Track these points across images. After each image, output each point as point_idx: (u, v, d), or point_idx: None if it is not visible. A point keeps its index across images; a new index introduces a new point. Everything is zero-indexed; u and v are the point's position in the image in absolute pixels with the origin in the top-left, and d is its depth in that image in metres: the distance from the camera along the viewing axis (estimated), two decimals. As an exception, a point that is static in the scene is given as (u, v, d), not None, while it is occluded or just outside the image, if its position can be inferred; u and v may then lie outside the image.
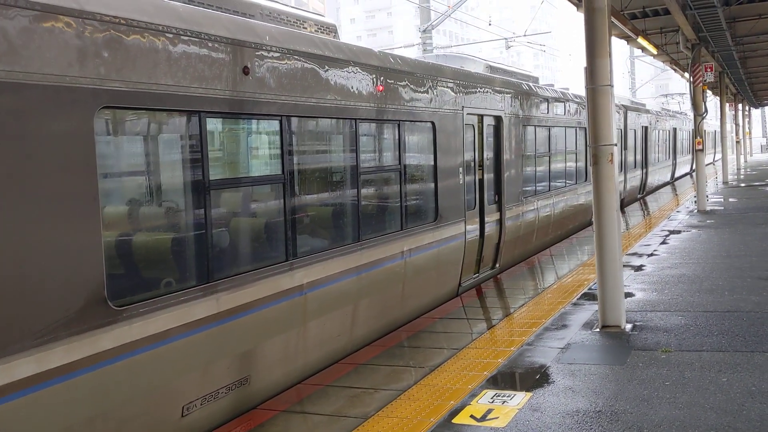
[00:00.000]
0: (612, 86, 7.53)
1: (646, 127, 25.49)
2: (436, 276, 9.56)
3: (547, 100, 14.37)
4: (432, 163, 9.49)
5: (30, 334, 4.18)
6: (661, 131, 28.99)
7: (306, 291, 6.76)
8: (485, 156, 11.29)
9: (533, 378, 6.28)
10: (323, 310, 7.06)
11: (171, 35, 5.18)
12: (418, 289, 9.07)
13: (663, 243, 13.97)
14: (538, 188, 13.87)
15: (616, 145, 7.64)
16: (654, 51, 19.12)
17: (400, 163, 8.64)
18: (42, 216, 4.26)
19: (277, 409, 6.06)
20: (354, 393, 6.36)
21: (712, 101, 47.33)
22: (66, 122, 4.40)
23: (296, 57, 6.60)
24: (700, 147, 19.32)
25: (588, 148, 7.74)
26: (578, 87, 20.49)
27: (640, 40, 17.03)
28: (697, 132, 19.81)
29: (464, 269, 10.46)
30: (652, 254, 12.67)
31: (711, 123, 45.89)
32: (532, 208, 13.38)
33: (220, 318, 5.70)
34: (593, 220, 7.84)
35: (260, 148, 6.95)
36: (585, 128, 17.20)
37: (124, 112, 5.02)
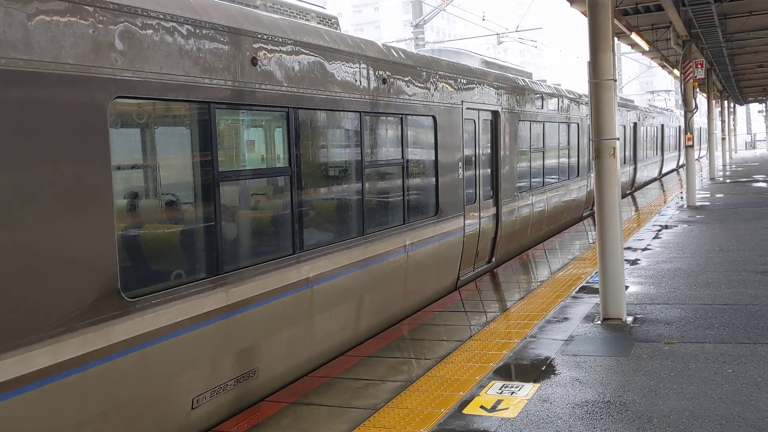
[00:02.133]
0: (615, 81, 7.58)
1: (635, 123, 25.68)
2: (436, 270, 9.59)
3: (541, 95, 14.43)
4: (433, 157, 9.51)
5: (45, 326, 4.15)
6: (649, 128, 29.21)
7: (312, 284, 6.76)
8: (482, 151, 11.33)
9: (539, 369, 6.32)
10: (329, 304, 7.07)
11: (182, 25, 5.16)
12: (419, 283, 9.10)
13: (656, 238, 14.09)
14: (532, 183, 13.94)
15: (618, 139, 7.70)
16: (646, 47, 19.25)
17: (403, 157, 8.65)
18: (57, 207, 4.23)
19: (286, 401, 6.06)
20: (361, 384, 6.38)
21: (697, 98, 47.67)
22: (81, 113, 4.37)
23: (303, 48, 6.59)
24: (691, 143, 19.49)
25: (590, 142, 7.78)
26: (568, 82, 20.58)
27: (634, 36, 17.13)
28: (688, 128, 19.97)
29: (462, 263, 10.51)
30: (646, 248, 12.78)
31: (697, 120, 46.23)
32: (527, 203, 13.45)
33: (229, 310, 5.69)
34: (596, 211, 7.90)
35: (267, 141, 6.93)
36: (578, 124, 17.32)
37: (137, 102, 4.99)
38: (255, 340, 6.02)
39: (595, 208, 7.94)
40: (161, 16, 4.96)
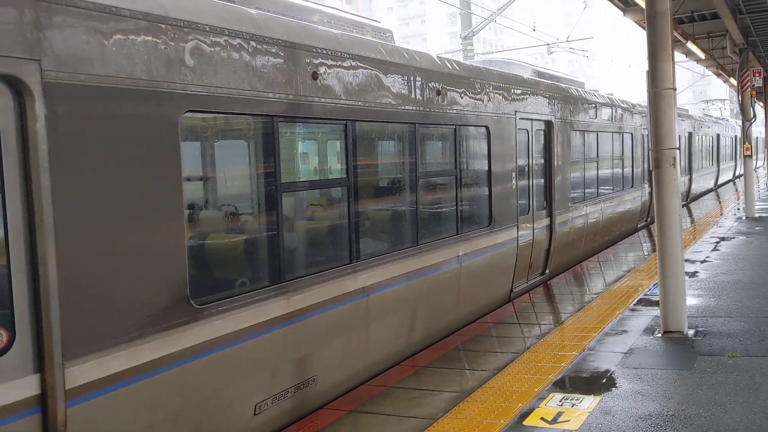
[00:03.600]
0: (675, 90, 7.48)
1: (690, 133, 25.16)
2: (489, 281, 9.56)
3: (594, 105, 14.29)
4: (486, 168, 9.51)
5: (122, 331, 4.30)
6: (704, 137, 28.57)
7: (368, 293, 6.83)
8: (535, 161, 11.27)
9: (600, 382, 6.25)
10: (384, 313, 7.12)
11: (247, 41, 5.30)
12: (472, 294, 9.08)
13: (714, 249, 13.76)
14: (586, 194, 13.79)
15: (678, 148, 7.59)
16: (702, 56, 18.88)
17: (456, 168, 8.68)
18: (133, 218, 4.39)
19: (344, 409, 6.12)
20: (417, 394, 6.40)
21: (755, 107, 46.37)
22: (154, 126, 4.53)
23: (360, 62, 6.70)
24: (749, 152, 19.01)
25: (649, 151, 7.68)
26: (620, 92, 20.30)
27: (689, 45, 16.83)
28: (745, 137, 19.49)
29: (516, 275, 10.44)
30: (704, 260, 12.49)
31: (754, 129, 45.00)
32: (581, 213, 13.30)
33: (290, 318, 5.79)
34: (656, 222, 7.78)
35: (326, 152, 7.05)
36: (631, 134, 17.07)
37: (205, 116, 5.15)
38: (314, 348, 6.11)
39: (655, 218, 7.82)
40: (228, 33, 5.12)
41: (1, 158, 3.74)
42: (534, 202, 11.17)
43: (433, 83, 7.97)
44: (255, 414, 5.52)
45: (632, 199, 17.22)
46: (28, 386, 3.83)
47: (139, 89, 4.42)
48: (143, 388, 4.44)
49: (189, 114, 4.85)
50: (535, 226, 11.14)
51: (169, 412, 4.67)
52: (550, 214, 11.78)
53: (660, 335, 7.63)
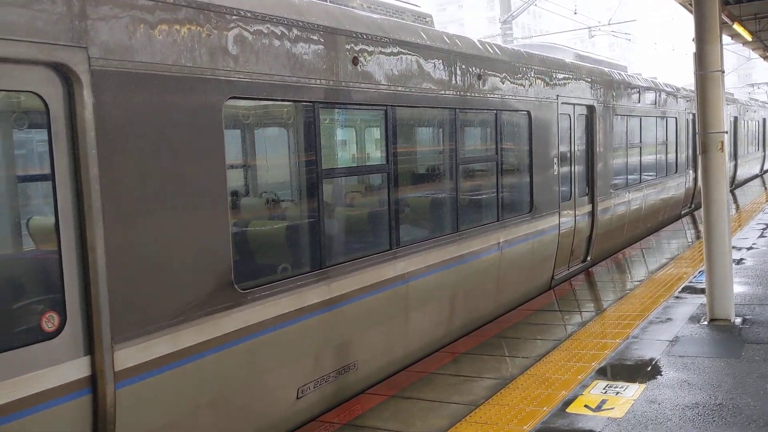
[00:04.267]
0: (723, 72, 7.28)
1: (736, 117, 24.51)
2: (529, 268, 9.47)
3: (637, 89, 14.00)
4: (527, 153, 9.40)
5: (167, 315, 4.37)
6: (750, 122, 27.82)
7: (408, 280, 6.82)
8: (577, 147, 11.10)
9: (644, 370, 6.15)
10: (424, 300, 7.11)
11: (289, 27, 5.31)
12: (512, 281, 9.01)
13: (761, 236, 13.42)
14: (628, 180, 13.55)
15: (726, 132, 7.39)
16: (749, 38, 18.34)
17: (497, 154, 8.59)
18: (179, 204, 4.44)
19: (386, 395, 6.14)
20: (458, 381, 6.39)
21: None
22: (199, 113, 4.56)
23: (401, 47, 6.65)
24: (799, 137, 18.41)
25: (696, 135, 7.51)
26: (663, 76, 19.84)
27: (735, 27, 16.35)
28: (795, 121, 18.89)
29: (557, 262, 10.33)
30: (751, 248, 12.19)
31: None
32: (623, 200, 13.08)
33: (331, 304, 5.82)
34: (703, 209, 7.60)
35: (366, 138, 7.04)
36: (675, 118, 16.70)
37: (248, 103, 5.18)
38: (354, 333, 6.13)
39: (702, 204, 7.64)
40: (270, 19, 5.12)
41: (51, 145, 3.81)
42: (576, 189, 11.01)
43: (473, 68, 7.89)
44: (297, 398, 5.57)
45: (676, 186, 16.87)
46: (78, 368, 3.92)
47: (183, 76, 4.45)
48: (188, 372, 4.50)
49: (232, 101, 4.88)
50: (577, 212, 11.00)
51: (213, 395, 4.74)
52: (592, 201, 11.60)
53: (706, 323, 7.48)
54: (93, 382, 4.00)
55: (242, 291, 4.90)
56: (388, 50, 6.48)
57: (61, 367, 3.84)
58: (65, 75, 3.83)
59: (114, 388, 4.04)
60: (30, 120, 4.05)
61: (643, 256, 12.54)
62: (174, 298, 4.42)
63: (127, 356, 4.12)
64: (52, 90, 3.80)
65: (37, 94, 3.76)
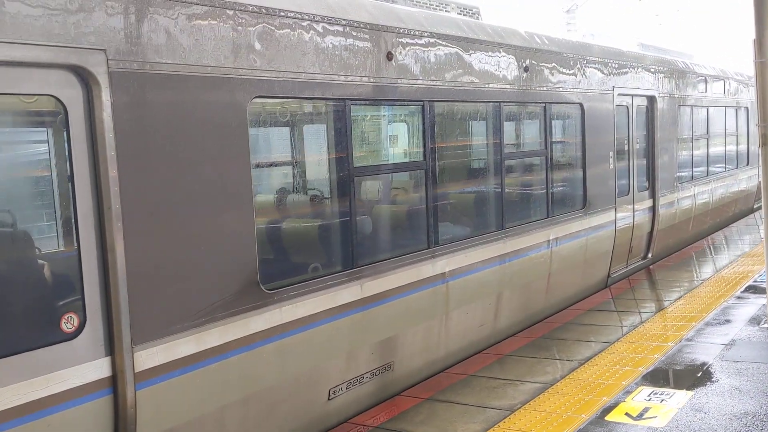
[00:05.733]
0: (786, 58, 6.81)
1: None
2: (583, 266, 9.16)
3: (704, 78, 13.36)
4: (580, 147, 9.07)
5: (190, 316, 4.37)
6: None
7: (448, 279, 6.67)
8: (637, 139, 10.66)
9: (694, 376, 5.83)
10: (465, 299, 6.94)
11: (317, 23, 5.23)
12: (564, 280, 8.72)
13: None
14: (694, 173, 12.95)
15: (789, 123, 6.92)
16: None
17: (546, 148, 8.32)
18: (204, 204, 4.44)
19: (421, 397, 6.03)
20: (498, 384, 6.21)
21: None
22: (223, 113, 4.55)
23: (439, 40, 6.49)
24: None
25: (757, 127, 7.07)
26: (735, 63, 18.86)
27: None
28: None
29: (614, 259, 9.95)
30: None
31: None
32: (689, 194, 12.51)
33: (364, 304, 5.73)
34: (762, 206, 7.15)
35: (402, 135, 6.92)
36: (747, 108, 15.88)
37: (274, 101, 5.14)
38: (390, 333, 6.03)
39: (762, 200, 7.19)
40: (297, 16, 5.06)
41: (70, 147, 3.86)
42: (635, 183, 10.58)
43: (519, 59, 7.65)
44: (329, 399, 5.51)
45: (747, 178, 16.06)
46: (99, 369, 3.96)
47: (206, 76, 4.43)
48: (212, 373, 4.50)
49: (258, 100, 4.85)
50: (636, 207, 10.57)
51: (239, 396, 4.73)
52: (653, 195, 11.13)
53: (766, 326, 7.04)
54: (114, 383, 4.04)
55: (268, 291, 4.87)
56: (425, 44, 6.32)
57: (82, 368, 3.89)
58: (84, 77, 3.87)
59: (135, 389, 4.07)
60: (49, 122, 4.11)
61: (711, 253, 11.98)
62: (196, 299, 4.42)
63: (148, 357, 4.14)
64: (71, 92, 3.84)
65: (56, 97, 3.80)
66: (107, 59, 3.92)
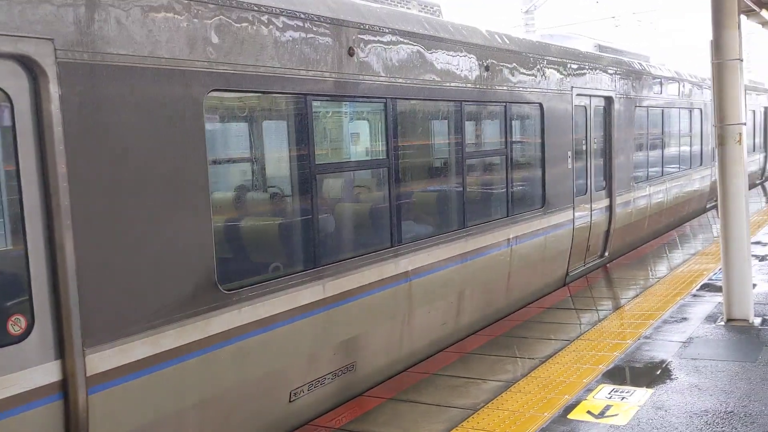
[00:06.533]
0: (741, 60, 6.94)
1: (767, 108, 23.82)
2: (542, 264, 9.21)
3: (659, 79, 13.59)
4: (539, 147, 9.11)
5: (145, 317, 4.21)
6: None
7: (411, 278, 6.61)
8: (594, 139, 10.77)
9: (654, 373, 5.88)
10: (428, 298, 6.90)
11: (276, 17, 5.11)
12: (524, 278, 8.75)
13: (789, 231, 12.96)
14: (650, 173, 13.16)
15: (745, 124, 7.05)
16: (779, 25, 17.72)
17: (506, 147, 8.33)
18: (156, 201, 4.28)
19: (384, 397, 5.95)
20: (460, 383, 6.17)
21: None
22: (177, 107, 4.39)
23: (401, 37, 6.42)
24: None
25: (713, 127, 7.18)
26: (688, 65, 19.22)
27: (764, 13, 15.78)
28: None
29: (572, 258, 10.04)
30: (777, 243, 11.77)
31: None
32: (644, 194, 12.71)
33: (326, 304, 5.63)
34: (719, 204, 7.27)
35: (364, 132, 6.83)
36: (700, 110, 16.22)
37: (231, 95, 5.00)
38: (352, 333, 5.94)
39: (718, 199, 7.31)
40: (255, 8, 4.93)
41: (16, 142, 3.67)
42: (592, 183, 10.69)
43: (480, 59, 7.63)
44: (290, 401, 5.40)
45: (700, 179, 16.42)
46: (48, 373, 3.78)
47: (159, 68, 4.28)
48: (168, 376, 4.35)
49: (214, 93, 4.70)
50: (593, 207, 10.68)
51: (198, 399, 4.59)
52: (610, 195, 11.27)
53: (723, 323, 7.16)
54: (64, 387, 3.86)
55: (226, 292, 4.73)
56: (387, 40, 6.26)
57: (30, 372, 3.71)
58: (30, 68, 3.68)
59: (87, 393, 3.90)
60: None
61: (665, 251, 12.18)
62: (151, 300, 4.26)
63: (101, 360, 3.98)
64: (17, 83, 3.65)
65: (1, 89, 3.61)
66: (55, 49, 3.74)
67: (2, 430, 3.58)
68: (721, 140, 7.05)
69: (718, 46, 6.99)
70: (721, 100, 7.01)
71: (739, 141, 6.97)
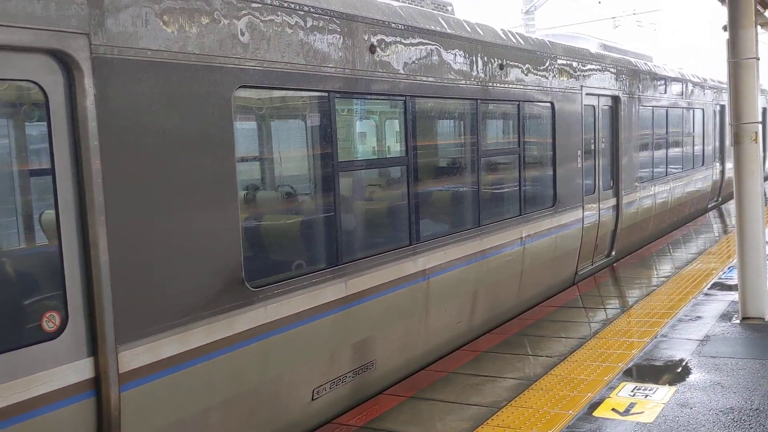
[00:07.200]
0: (758, 59, 6.95)
1: (766, 108, 23.93)
2: (552, 263, 9.21)
3: (663, 79, 13.62)
4: (551, 146, 9.12)
5: (175, 315, 4.18)
6: None
7: (428, 276, 6.60)
8: (602, 138, 10.79)
9: (674, 371, 5.88)
10: (445, 296, 6.89)
11: (303, 13, 5.09)
12: (536, 277, 8.75)
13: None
14: (654, 173, 13.19)
15: (761, 122, 7.06)
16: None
17: (519, 146, 8.33)
18: (185, 199, 4.25)
19: (404, 396, 5.93)
20: (479, 381, 6.16)
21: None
22: (206, 103, 4.37)
23: (420, 35, 6.41)
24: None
25: (729, 126, 7.19)
26: (689, 66, 19.26)
27: (767, 13, 15.85)
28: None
29: (581, 257, 10.05)
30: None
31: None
32: (649, 193, 12.73)
33: (348, 302, 5.61)
34: (735, 201, 7.29)
35: (384, 130, 6.82)
36: (702, 110, 16.28)
37: (259, 92, 4.97)
38: (373, 332, 5.93)
39: (734, 197, 7.32)
40: (283, 5, 4.91)
41: (51, 137, 3.64)
42: (600, 182, 10.70)
43: (496, 57, 7.63)
44: (312, 399, 5.38)
45: (703, 178, 16.47)
46: (81, 370, 3.75)
47: (191, 64, 4.25)
48: (196, 374, 4.32)
49: (242, 90, 4.68)
50: (601, 206, 10.69)
51: (224, 396, 4.56)
52: (617, 194, 11.29)
53: (738, 322, 7.17)
54: (97, 385, 3.83)
55: (253, 289, 4.70)
56: (407, 38, 6.24)
57: (63, 369, 3.67)
58: (65, 63, 3.65)
59: (119, 391, 3.87)
60: (29, 111, 3.87)
61: (670, 251, 12.20)
62: (181, 297, 4.23)
63: (132, 357, 3.95)
64: (52, 78, 3.62)
65: (36, 83, 3.58)
66: (90, 44, 3.71)
67: (36, 427, 3.55)
68: (738, 138, 7.06)
69: (734, 45, 7.01)
70: (737, 99, 7.03)
71: (755, 139, 6.99)
